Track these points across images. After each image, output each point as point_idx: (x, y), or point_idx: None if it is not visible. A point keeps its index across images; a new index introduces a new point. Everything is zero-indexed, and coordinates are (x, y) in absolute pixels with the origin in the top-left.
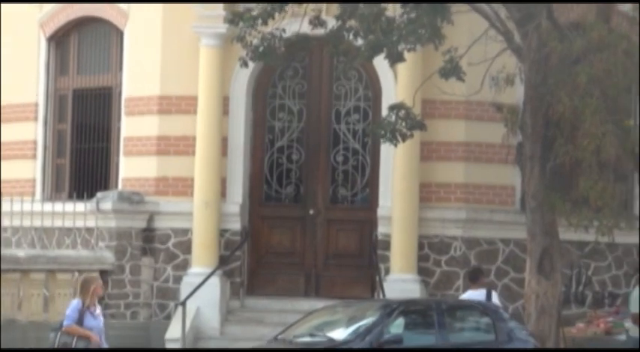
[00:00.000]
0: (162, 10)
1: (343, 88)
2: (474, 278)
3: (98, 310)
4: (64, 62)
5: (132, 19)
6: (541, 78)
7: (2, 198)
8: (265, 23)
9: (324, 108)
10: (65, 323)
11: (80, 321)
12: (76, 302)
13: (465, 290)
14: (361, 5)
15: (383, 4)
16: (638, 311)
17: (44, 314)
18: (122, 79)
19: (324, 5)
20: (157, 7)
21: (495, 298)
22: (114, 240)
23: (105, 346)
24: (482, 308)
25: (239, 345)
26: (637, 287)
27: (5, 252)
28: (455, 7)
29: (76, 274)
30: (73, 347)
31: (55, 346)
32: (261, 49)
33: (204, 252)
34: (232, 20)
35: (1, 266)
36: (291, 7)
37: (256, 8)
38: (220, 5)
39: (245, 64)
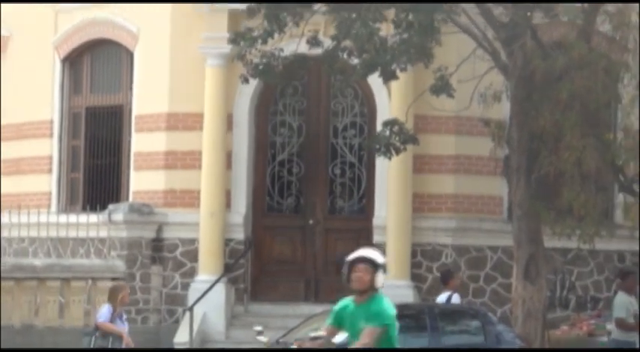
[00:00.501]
0: (170, 32)
1: (340, 105)
2: (444, 280)
3: (124, 316)
4: (77, 82)
5: (141, 41)
6: (526, 94)
7: (20, 211)
8: (265, 43)
9: (322, 124)
10: (100, 320)
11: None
12: (106, 308)
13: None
14: (355, 26)
15: (376, 25)
16: (621, 315)
17: (60, 320)
18: (132, 98)
19: (321, 26)
20: (165, 29)
21: (456, 300)
22: (125, 249)
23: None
24: (472, 313)
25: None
26: (619, 293)
27: (23, 261)
28: (444, 28)
29: (90, 282)
30: (109, 347)
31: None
32: (260, 66)
33: (210, 260)
34: (234, 40)
35: (20, 275)
36: (289, 28)
37: (257, 28)
38: (224, 27)
39: (246, 81)
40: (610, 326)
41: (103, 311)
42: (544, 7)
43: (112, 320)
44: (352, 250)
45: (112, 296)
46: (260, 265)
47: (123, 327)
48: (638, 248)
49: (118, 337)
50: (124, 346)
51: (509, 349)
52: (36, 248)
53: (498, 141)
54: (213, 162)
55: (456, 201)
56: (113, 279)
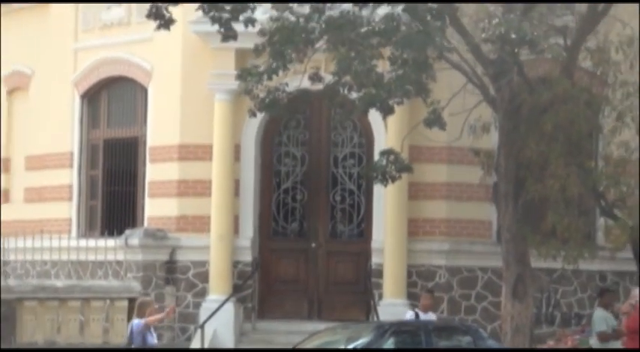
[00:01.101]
0: (181, 69)
1: (340, 136)
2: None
3: (152, 329)
4: (95, 116)
5: (155, 78)
6: (513, 126)
7: (43, 236)
8: (270, 79)
9: (323, 154)
10: (142, 324)
11: (144, 340)
12: (137, 322)
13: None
14: (354, 63)
15: (374, 62)
16: (602, 329)
17: (80, 337)
18: (147, 131)
19: (322, 63)
20: (176, 67)
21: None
22: (140, 271)
23: None
24: (465, 329)
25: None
26: (598, 309)
27: (45, 282)
28: (437, 64)
29: (108, 302)
30: None
31: None
32: (267, 101)
33: (220, 281)
34: (241, 76)
35: (42, 295)
36: (293, 65)
37: (262, 65)
38: (232, 65)
39: (253, 114)
40: (592, 340)
41: (137, 324)
42: (530, 44)
43: (144, 335)
44: (352, 271)
45: (140, 312)
46: (266, 285)
47: (153, 341)
48: (618, 268)
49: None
50: None
51: (503, 349)
52: (57, 270)
53: (487, 170)
54: (222, 189)
55: (448, 225)
56: (130, 299)
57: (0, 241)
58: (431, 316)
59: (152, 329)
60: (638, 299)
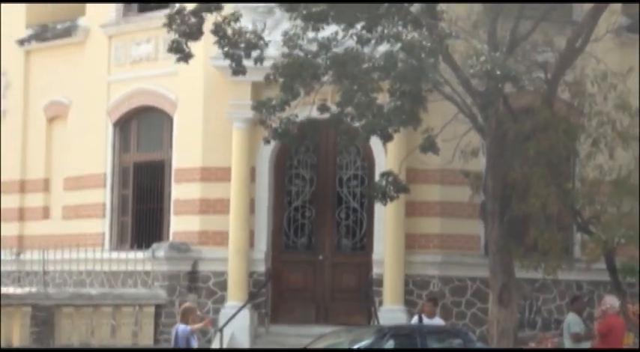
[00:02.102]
0: (203, 100)
1: (345, 160)
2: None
3: (194, 334)
4: (126, 142)
5: (179, 107)
6: (499, 151)
7: (79, 249)
8: (282, 110)
9: (329, 176)
10: (188, 330)
11: (188, 343)
12: (183, 328)
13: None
14: (357, 95)
15: (374, 94)
16: (576, 331)
17: (112, 339)
18: (172, 154)
19: (328, 95)
20: (198, 98)
21: (436, 321)
22: (166, 280)
23: None
24: (455, 332)
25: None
26: (570, 314)
27: (81, 290)
28: (430, 96)
29: (137, 308)
30: None
31: None
32: (279, 131)
33: (237, 289)
34: (256, 107)
35: (78, 302)
36: (302, 97)
37: (275, 97)
38: (248, 96)
39: (267, 142)
40: (566, 341)
41: (183, 329)
42: (513, 79)
43: (187, 338)
44: (355, 280)
45: (184, 317)
46: (278, 293)
47: (196, 344)
48: (593, 278)
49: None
50: None
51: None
52: (92, 279)
53: (476, 190)
54: (239, 207)
55: (441, 240)
56: (156, 306)
57: (42, 253)
58: (438, 321)
59: (194, 335)
60: (608, 305)
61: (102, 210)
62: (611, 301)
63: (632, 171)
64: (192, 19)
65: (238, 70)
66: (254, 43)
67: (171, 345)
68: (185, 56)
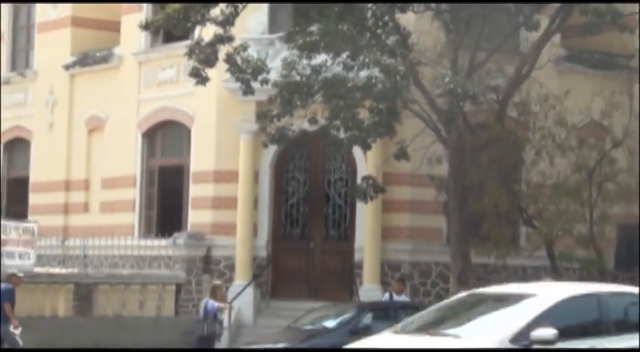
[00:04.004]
0: (216, 115)
1: (332, 165)
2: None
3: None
4: (152, 149)
5: (196, 121)
6: (459, 159)
7: (112, 237)
8: (279, 120)
9: (319, 179)
10: (216, 306)
11: (215, 317)
12: (212, 303)
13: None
14: (343, 111)
15: (357, 110)
16: None
17: (139, 312)
18: (190, 160)
19: (318, 110)
20: (212, 113)
21: (402, 298)
22: (184, 263)
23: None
24: (422, 307)
25: (266, 332)
26: None
27: (114, 271)
28: (403, 113)
29: (161, 286)
30: (218, 332)
31: (205, 332)
32: (276, 136)
33: (243, 271)
34: (258, 117)
35: (112, 281)
36: (297, 110)
37: (275, 109)
38: (253, 112)
39: (265, 145)
40: None
41: (212, 305)
42: (471, 98)
43: (215, 313)
44: (340, 264)
45: (213, 293)
46: (277, 274)
47: (221, 318)
48: (535, 263)
49: (219, 321)
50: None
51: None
52: (123, 262)
53: (440, 191)
54: (245, 204)
55: (411, 231)
56: (177, 284)
57: (82, 241)
58: (404, 298)
59: (221, 311)
60: None
61: (132, 205)
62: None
63: (568, 176)
64: (209, 50)
65: (248, 90)
66: (259, 69)
67: (200, 317)
68: (203, 80)
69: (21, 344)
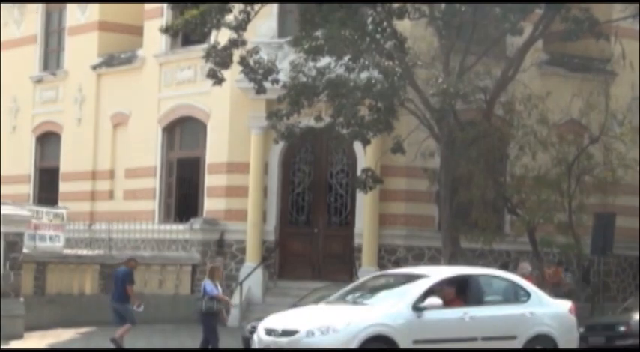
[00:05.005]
0: (229, 112)
1: (334, 158)
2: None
3: (220, 288)
4: (171, 142)
5: (212, 117)
6: (450, 153)
7: (135, 222)
8: (288, 118)
9: (323, 170)
10: (214, 293)
11: (211, 295)
12: (210, 288)
13: None
14: (345, 109)
15: (358, 107)
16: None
17: (159, 290)
18: (206, 153)
19: (323, 108)
20: (226, 110)
21: None
22: (200, 246)
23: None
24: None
25: (274, 310)
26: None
27: (137, 253)
28: (400, 111)
29: (178, 266)
30: (215, 308)
31: (203, 309)
32: (285, 134)
33: (253, 253)
34: (269, 115)
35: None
36: (303, 110)
37: (284, 109)
38: (263, 109)
39: (276, 142)
40: None
41: (211, 286)
42: (462, 98)
43: (211, 294)
44: (341, 248)
45: (211, 274)
46: (284, 257)
47: (218, 292)
48: (518, 248)
49: (221, 300)
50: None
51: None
52: (145, 245)
53: (432, 182)
54: (255, 193)
55: (406, 219)
56: (193, 265)
57: (108, 225)
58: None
59: (217, 285)
60: (527, 270)
61: (153, 194)
62: (525, 266)
63: (549, 169)
64: (224, 53)
65: (260, 90)
66: (270, 70)
67: (200, 297)
68: (219, 81)
69: (137, 321)
